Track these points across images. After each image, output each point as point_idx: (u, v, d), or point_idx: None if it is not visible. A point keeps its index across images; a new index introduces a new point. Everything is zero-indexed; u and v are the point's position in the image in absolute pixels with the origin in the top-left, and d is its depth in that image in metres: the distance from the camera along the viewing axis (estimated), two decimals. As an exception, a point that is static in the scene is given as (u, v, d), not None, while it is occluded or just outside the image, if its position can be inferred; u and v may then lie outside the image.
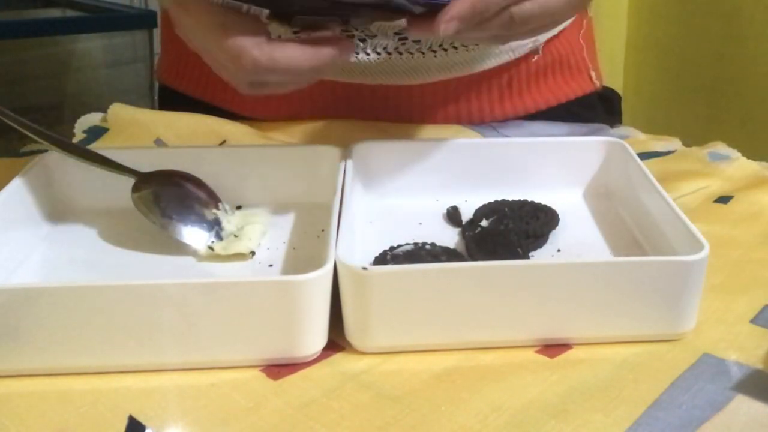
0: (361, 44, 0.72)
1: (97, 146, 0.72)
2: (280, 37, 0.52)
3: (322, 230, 0.58)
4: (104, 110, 0.77)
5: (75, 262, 0.56)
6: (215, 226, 0.57)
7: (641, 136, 0.79)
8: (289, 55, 0.51)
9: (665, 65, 1.63)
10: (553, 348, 0.48)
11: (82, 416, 0.42)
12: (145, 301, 0.44)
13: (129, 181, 0.57)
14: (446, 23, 0.49)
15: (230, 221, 0.58)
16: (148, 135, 0.72)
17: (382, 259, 0.53)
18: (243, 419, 0.42)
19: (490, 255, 0.53)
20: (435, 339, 0.47)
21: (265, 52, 0.51)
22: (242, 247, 0.55)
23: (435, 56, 0.73)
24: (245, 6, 0.53)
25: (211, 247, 0.55)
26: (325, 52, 0.52)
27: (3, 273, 0.52)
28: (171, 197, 0.57)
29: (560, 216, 0.59)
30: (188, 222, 0.56)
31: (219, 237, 0.56)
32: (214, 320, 0.44)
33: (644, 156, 0.70)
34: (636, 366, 0.46)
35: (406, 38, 0.72)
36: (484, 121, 0.79)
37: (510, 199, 0.61)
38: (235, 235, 0.56)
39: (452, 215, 0.60)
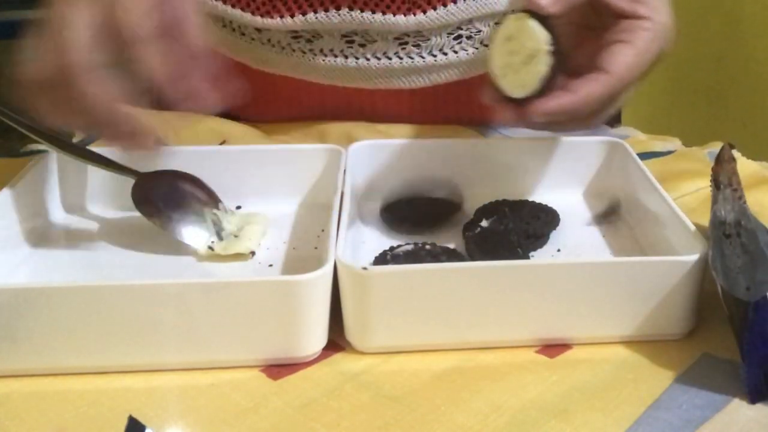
0: (361, 49, 0.72)
1: (97, 146, 0.72)
2: None
3: (322, 230, 0.58)
4: (104, 110, 0.76)
5: (75, 262, 0.56)
6: (215, 226, 0.57)
7: (641, 136, 0.79)
8: (97, 92, 0.48)
9: (665, 65, 1.63)
10: (553, 348, 0.48)
11: (82, 416, 0.42)
12: (145, 301, 0.44)
13: (129, 181, 0.57)
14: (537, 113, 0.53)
15: (230, 221, 0.58)
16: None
17: (382, 259, 0.53)
18: (243, 419, 0.42)
19: (490, 255, 0.53)
20: (435, 339, 0.47)
21: (90, 63, 0.47)
22: (242, 247, 0.55)
23: (435, 60, 0.73)
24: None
25: (211, 247, 0.55)
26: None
27: (3, 273, 0.52)
28: (171, 197, 0.57)
29: (560, 216, 0.59)
30: (188, 222, 0.56)
31: (219, 237, 0.56)
32: (214, 320, 0.44)
33: (644, 156, 0.70)
34: (636, 366, 0.46)
35: (405, 43, 0.72)
36: (484, 123, 0.79)
37: (510, 199, 0.61)
38: (235, 235, 0.56)
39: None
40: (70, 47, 0.48)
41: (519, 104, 0.53)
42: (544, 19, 0.52)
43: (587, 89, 0.53)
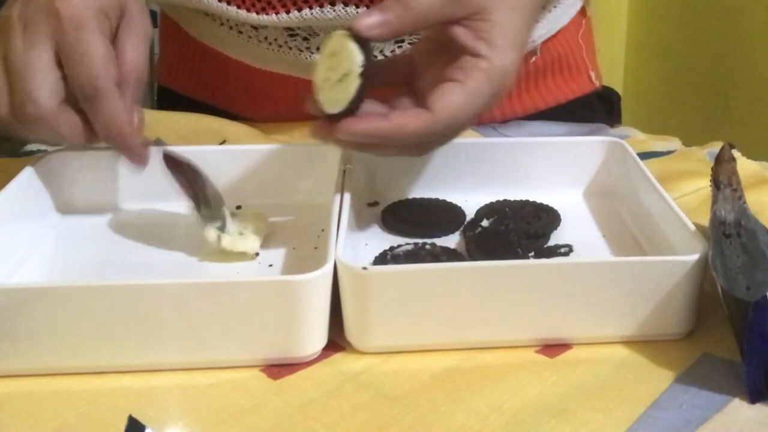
0: None
1: (97, 146, 0.72)
2: None
3: (322, 230, 0.58)
4: (104, 110, 0.76)
5: (75, 261, 0.56)
6: (222, 221, 0.56)
7: (641, 136, 0.79)
8: (69, 125, 0.54)
9: (665, 65, 1.63)
10: (553, 348, 0.48)
11: (82, 416, 0.42)
12: (145, 301, 0.44)
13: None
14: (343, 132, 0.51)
15: (232, 223, 0.57)
16: (148, 135, 0.72)
17: (382, 259, 0.53)
18: (243, 419, 0.42)
19: (490, 255, 0.53)
20: (435, 339, 0.47)
21: (53, 111, 0.53)
22: (247, 246, 0.55)
23: None
24: None
25: (219, 236, 0.54)
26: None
27: (3, 272, 0.52)
28: (201, 176, 0.56)
29: (561, 216, 0.59)
30: (206, 203, 0.55)
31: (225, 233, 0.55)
32: (214, 320, 0.44)
33: (644, 156, 0.70)
34: (636, 366, 0.46)
35: (402, 41, 0.72)
36: (483, 122, 0.79)
37: (511, 199, 0.61)
38: (241, 233, 0.56)
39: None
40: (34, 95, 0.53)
41: (332, 120, 0.52)
42: (365, 40, 0.51)
43: (401, 121, 0.51)
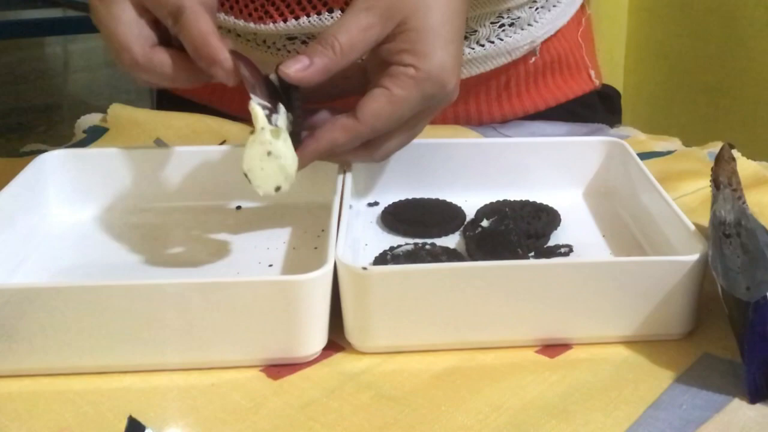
0: None
1: (97, 146, 0.72)
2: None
3: (322, 230, 0.58)
4: (104, 110, 0.77)
5: (75, 261, 0.56)
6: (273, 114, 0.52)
7: (641, 136, 0.79)
8: (165, 64, 0.54)
9: (665, 65, 1.63)
10: (553, 348, 0.48)
11: (82, 416, 0.42)
12: (145, 301, 0.44)
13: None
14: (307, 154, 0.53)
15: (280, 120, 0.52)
16: (148, 135, 0.72)
17: (382, 259, 0.53)
18: (243, 419, 0.42)
19: (490, 255, 0.53)
20: (435, 339, 0.47)
21: (146, 54, 0.54)
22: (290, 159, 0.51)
23: None
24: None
25: (270, 122, 0.51)
26: (200, 75, 0.54)
27: (3, 273, 0.52)
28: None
29: (561, 216, 0.59)
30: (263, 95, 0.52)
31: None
32: (214, 320, 0.44)
33: (644, 156, 0.70)
34: (636, 366, 0.46)
35: None
36: (483, 123, 0.79)
37: (511, 199, 0.61)
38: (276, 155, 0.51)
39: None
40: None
41: None
42: (294, 87, 0.51)
43: (330, 137, 0.52)
